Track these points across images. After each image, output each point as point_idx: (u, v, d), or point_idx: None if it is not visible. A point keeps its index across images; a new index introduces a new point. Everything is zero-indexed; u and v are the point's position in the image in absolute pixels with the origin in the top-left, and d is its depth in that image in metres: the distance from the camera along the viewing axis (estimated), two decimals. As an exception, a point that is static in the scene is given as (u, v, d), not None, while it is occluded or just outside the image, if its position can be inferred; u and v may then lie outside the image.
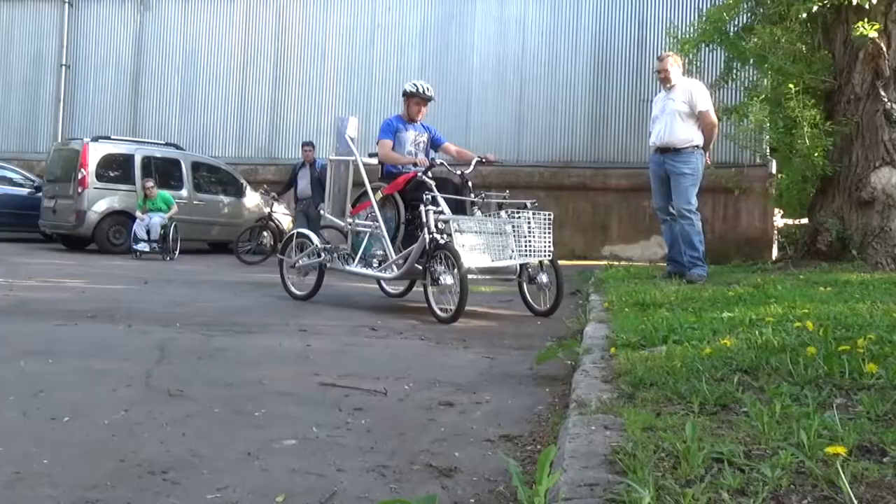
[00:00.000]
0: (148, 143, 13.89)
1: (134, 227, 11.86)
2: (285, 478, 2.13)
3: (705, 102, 6.88)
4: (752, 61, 8.97)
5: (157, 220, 11.85)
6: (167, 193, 12.40)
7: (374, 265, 6.32)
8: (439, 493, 2.03)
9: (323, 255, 6.50)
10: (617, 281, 6.92)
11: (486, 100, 15.13)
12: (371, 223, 6.43)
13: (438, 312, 5.50)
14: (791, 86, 7.83)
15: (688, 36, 9.42)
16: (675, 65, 7.03)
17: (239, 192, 14.08)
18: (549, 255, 5.80)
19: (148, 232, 11.77)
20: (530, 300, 6.04)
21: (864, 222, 7.77)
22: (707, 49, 9.76)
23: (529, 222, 5.78)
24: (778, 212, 12.56)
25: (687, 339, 3.54)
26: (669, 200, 6.97)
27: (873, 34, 7.54)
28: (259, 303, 6.46)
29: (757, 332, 3.44)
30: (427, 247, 5.64)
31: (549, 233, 5.82)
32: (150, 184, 12.13)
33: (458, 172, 6.46)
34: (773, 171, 12.31)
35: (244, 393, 3.13)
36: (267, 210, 12.36)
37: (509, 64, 15.15)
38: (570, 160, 14.51)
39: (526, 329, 5.26)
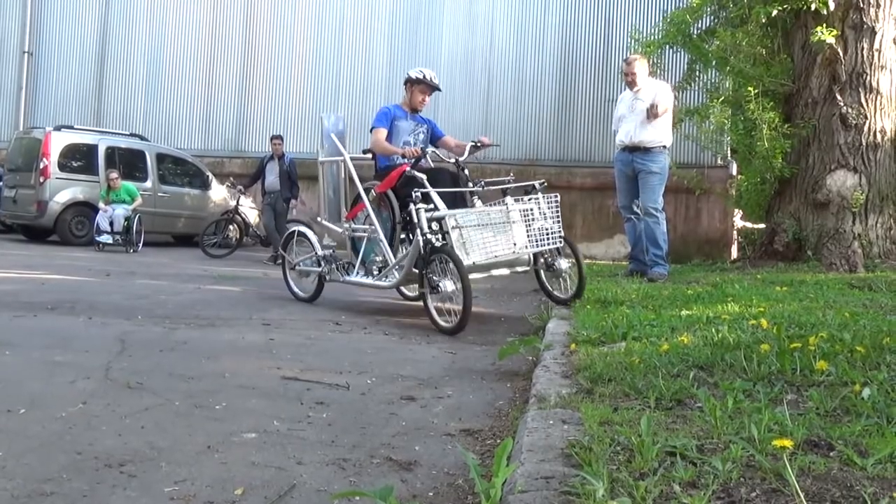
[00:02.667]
0: (112, 133, 13.69)
1: (97, 218, 11.69)
2: (244, 471, 2.13)
3: (666, 102, 6.99)
4: (714, 64, 9.12)
5: (120, 211, 11.69)
6: (131, 185, 12.24)
7: (375, 272, 5.80)
8: (399, 486, 2.05)
9: (322, 265, 6.07)
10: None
11: (454, 96, 15.14)
12: (368, 226, 5.91)
13: (441, 322, 4.90)
14: (751, 88, 7.98)
15: (652, 38, 9.54)
16: (642, 68, 7.13)
17: (205, 185, 13.95)
18: (559, 241, 5.31)
19: (111, 224, 11.61)
20: (550, 289, 5.60)
21: (819, 224, 7.94)
22: (671, 51, 9.89)
23: (539, 205, 5.29)
24: (738, 212, 12.77)
25: (646, 335, 3.61)
26: (634, 199, 7.07)
27: (831, 39, 7.71)
28: (223, 296, 6.42)
29: (714, 330, 3.52)
30: (422, 250, 5.08)
31: (558, 215, 5.36)
32: (114, 175, 11.96)
33: (453, 160, 5.95)
34: (734, 172, 12.52)
35: (205, 386, 3.12)
36: (233, 203, 12.25)
37: (477, 60, 15.19)
38: (536, 158, 14.59)
39: (489, 325, 5.30)
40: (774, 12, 7.90)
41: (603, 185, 12.52)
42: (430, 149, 5.98)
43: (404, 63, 15.71)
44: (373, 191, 5.87)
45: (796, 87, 8.39)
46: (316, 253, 6.16)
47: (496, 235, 5.11)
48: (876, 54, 8.00)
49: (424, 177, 5.40)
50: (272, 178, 11.00)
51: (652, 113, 6.82)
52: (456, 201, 5.45)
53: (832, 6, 7.85)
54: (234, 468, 2.15)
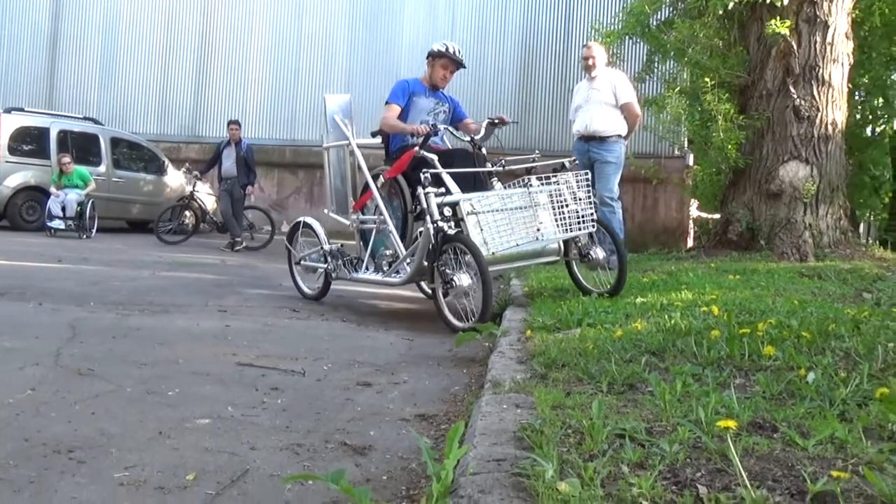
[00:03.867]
0: (64, 116, 13.36)
1: (48, 203, 11.43)
2: (197, 456, 2.12)
3: (629, 94, 7.06)
4: (671, 55, 9.22)
5: (73, 196, 11.45)
6: (84, 170, 11.98)
7: (385, 268, 5.19)
8: (352, 470, 2.06)
9: (328, 261, 5.50)
10: (537, 267, 7.03)
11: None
12: (377, 217, 5.33)
13: (455, 322, 4.40)
14: (707, 80, 8.09)
15: (612, 28, 9.61)
16: (601, 53, 7.19)
17: (160, 170, 13.74)
18: (592, 226, 4.81)
19: (63, 209, 11.37)
20: (583, 282, 5.09)
21: (772, 214, 8.09)
22: (630, 42, 9.97)
23: (569, 186, 4.75)
24: (694, 202, 12.98)
25: (600, 322, 3.66)
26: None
27: (785, 32, 7.84)
28: (178, 283, 6.34)
29: (667, 317, 3.58)
30: (433, 240, 4.52)
31: (591, 196, 4.84)
32: (67, 159, 11.70)
33: (469, 139, 5.38)
34: (690, 162, 12.70)
35: (158, 372, 3.09)
36: (189, 189, 12.08)
37: (438, 48, 15.15)
38: (496, 146, 14.63)
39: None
40: (731, 4, 8.00)
41: (562, 174, 12.60)
42: (442, 127, 5.30)
43: (365, 48, 15.63)
44: (382, 176, 5.31)
45: (751, 78, 8.52)
46: (322, 247, 5.61)
47: (518, 221, 4.59)
48: (828, 48, 8.15)
49: (435, 157, 4.88)
50: (229, 163, 10.87)
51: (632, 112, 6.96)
52: (473, 185, 4.89)
53: (786, 0, 7.98)
54: (186, 454, 2.14)
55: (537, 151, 5.30)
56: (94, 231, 11.49)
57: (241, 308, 5.06)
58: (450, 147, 5.52)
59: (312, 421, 2.52)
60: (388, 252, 5.25)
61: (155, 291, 5.62)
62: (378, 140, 5.63)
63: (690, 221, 13.75)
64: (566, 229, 4.71)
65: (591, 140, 7.05)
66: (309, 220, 5.91)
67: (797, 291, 4.89)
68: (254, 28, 16.05)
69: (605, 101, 7.01)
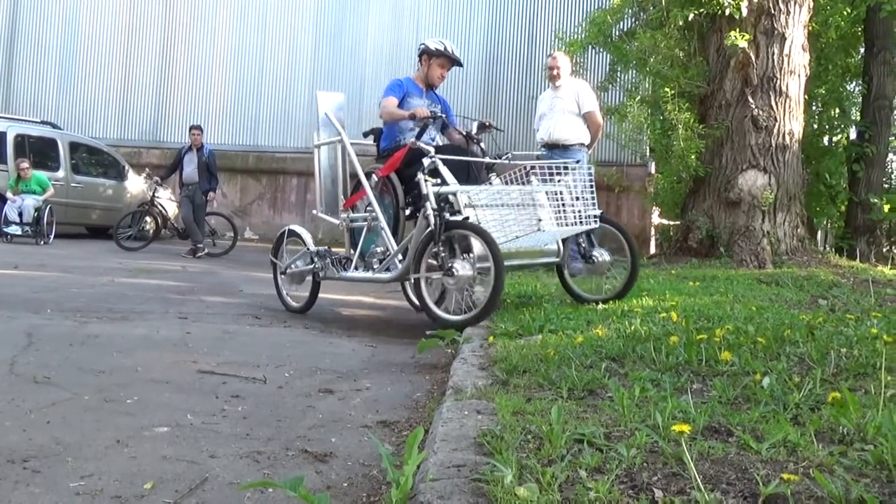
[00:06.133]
0: (22, 120, 13.08)
1: (5, 208, 11.19)
2: (155, 465, 2.09)
3: (592, 103, 7.14)
4: (633, 65, 9.35)
5: (30, 202, 11.23)
6: (42, 175, 11.76)
7: (376, 265, 5.02)
8: (313, 477, 2.05)
9: (315, 261, 5.30)
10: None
11: (380, 88, 15.06)
12: (368, 214, 5.17)
13: (443, 316, 4.31)
14: (668, 90, 8.23)
15: (575, 38, 9.73)
16: (565, 63, 7.27)
17: (120, 176, 13.54)
18: (593, 222, 4.69)
19: (20, 214, 11.14)
20: (576, 289, 4.94)
21: (731, 221, 8.24)
22: (593, 51, 10.10)
23: (572, 185, 4.66)
24: (656, 209, 13.15)
25: (562, 328, 3.69)
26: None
27: (743, 44, 8.00)
28: (138, 290, 6.24)
29: (627, 323, 3.62)
30: (434, 226, 4.33)
31: (593, 191, 4.71)
32: (25, 164, 11.47)
33: (464, 132, 5.30)
34: (652, 170, 12.87)
35: (116, 380, 3.04)
36: (150, 195, 11.92)
37: (403, 54, 15.16)
38: (462, 153, 14.70)
39: (411, 319, 5.32)
40: (691, 16, 8.16)
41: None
42: (442, 116, 5.29)
43: (329, 54, 15.60)
44: (374, 175, 5.18)
45: (711, 89, 8.68)
46: (308, 249, 5.41)
47: (517, 215, 4.46)
48: (786, 59, 8.33)
49: (432, 149, 4.77)
50: (190, 169, 10.76)
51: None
52: (467, 179, 4.81)
53: (745, 12, 8.15)
54: (144, 462, 2.11)
55: (542, 149, 5.21)
56: (51, 237, 11.28)
57: (202, 315, 5.01)
58: (440, 142, 5.39)
59: (273, 428, 2.50)
60: (378, 250, 5.11)
61: (114, 298, 5.54)
62: (369, 140, 5.57)
63: (652, 228, 13.92)
64: (567, 225, 4.59)
65: (555, 148, 7.12)
66: (294, 227, 5.74)
67: (755, 298, 4.98)
68: (217, 31, 15.93)
69: (568, 109, 7.08)
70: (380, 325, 4.99)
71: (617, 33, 9.69)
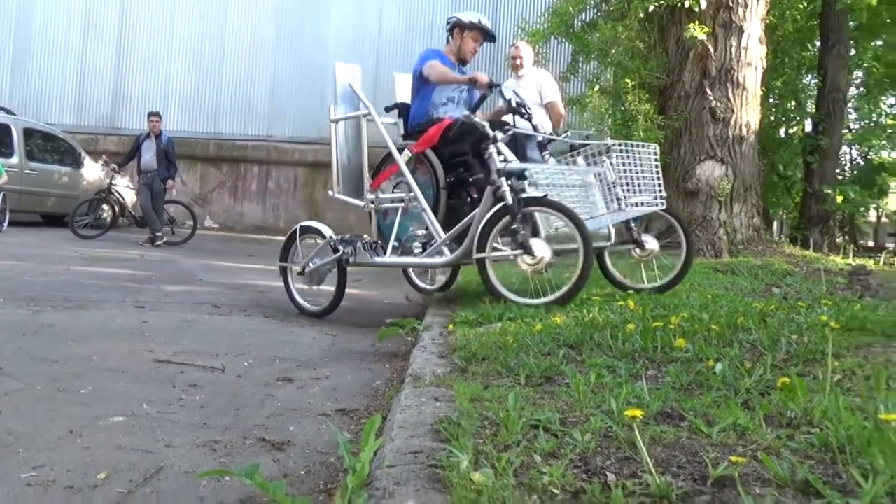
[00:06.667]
0: (-27, 106, 12.78)
1: (-44, 196, 10.93)
2: (109, 455, 2.07)
3: (554, 93, 7.17)
4: (595, 56, 9.42)
5: (-19, 189, 10.98)
6: (-6, 161, 11.50)
7: (417, 250, 4.69)
8: (270, 465, 2.05)
9: (342, 248, 4.79)
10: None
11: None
12: (403, 195, 4.80)
13: (518, 300, 4.08)
14: (629, 80, 8.31)
15: (538, 28, 9.77)
16: (528, 52, 7.29)
17: (77, 163, 13.28)
18: (662, 202, 4.53)
19: (-29, 202, 10.89)
20: (618, 276, 4.75)
21: (689, 211, 8.37)
22: (555, 42, 10.15)
23: (633, 167, 4.46)
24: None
25: (521, 317, 3.71)
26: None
27: (702, 36, 8.11)
28: (94, 278, 6.14)
29: (585, 311, 3.66)
30: (514, 206, 4.06)
31: (658, 171, 4.53)
32: (-25, 150, 11.20)
33: (516, 102, 4.99)
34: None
35: (71, 370, 3.00)
36: (107, 182, 11.72)
37: (366, 43, 15.10)
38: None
39: (372, 307, 5.32)
40: (651, 7, 8.24)
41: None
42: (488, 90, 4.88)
43: (291, 44, 15.44)
44: (407, 151, 4.81)
45: (670, 80, 8.78)
46: (331, 239, 4.85)
47: (578, 196, 4.29)
48: (743, 52, 8.46)
49: (486, 123, 4.44)
50: (149, 156, 10.60)
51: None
52: (517, 157, 4.54)
53: (704, 4, 8.25)
54: (98, 452, 2.09)
55: (592, 129, 5.16)
56: (5, 225, 11.03)
57: (160, 304, 4.95)
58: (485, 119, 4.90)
59: (231, 417, 2.49)
60: (419, 233, 4.75)
61: (69, 287, 5.44)
62: (390, 119, 5.19)
63: (613, 218, 14.06)
64: (620, 208, 4.44)
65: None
66: (306, 223, 5.17)
67: (711, 286, 5.07)
68: (177, 16, 15.67)
69: (530, 99, 7.09)
70: (341, 314, 4.97)
71: (579, 24, 9.74)
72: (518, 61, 7.19)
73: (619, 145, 4.53)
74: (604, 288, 4.87)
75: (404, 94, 5.34)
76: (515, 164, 4.29)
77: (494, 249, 4.17)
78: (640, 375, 2.47)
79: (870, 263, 8.07)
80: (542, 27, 9.85)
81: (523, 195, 4.09)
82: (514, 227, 4.07)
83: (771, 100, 13.28)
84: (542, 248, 4.04)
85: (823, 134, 11.94)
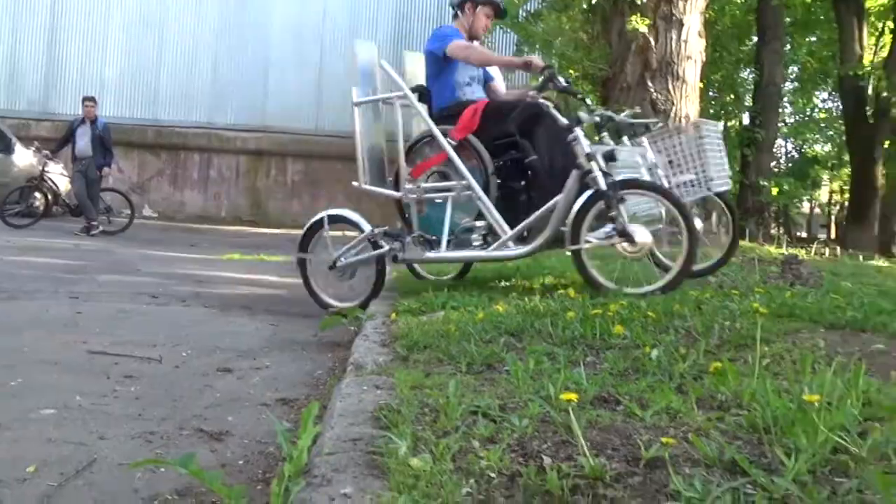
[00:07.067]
0: None
1: None
2: (39, 448, 2.02)
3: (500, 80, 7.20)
4: (539, 46, 9.50)
5: None
6: (-82, 146, 11.06)
7: (476, 243, 4.37)
8: (208, 455, 2.02)
9: (386, 243, 4.41)
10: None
11: (285, 66, 14.79)
12: (451, 184, 4.41)
13: (609, 286, 3.91)
14: (572, 71, 8.40)
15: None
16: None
17: (7, 149, 12.84)
18: (727, 183, 4.49)
19: None
20: (663, 258, 4.45)
21: (630, 202, 8.51)
22: (500, 31, 10.19)
23: (680, 147, 4.40)
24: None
25: (464, 305, 3.73)
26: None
27: (643, 29, 8.24)
28: (26, 268, 5.96)
29: (527, 299, 3.69)
30: (610, 192, 3.86)
31: (721, 154, 4.45)
32: None
33: (566, 81, 4.51)
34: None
35: (1, 362, 2.91)
36: (40, 169, 11.36)
37: (309, 30, 14.91)
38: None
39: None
40: (594, -1, 8.34)
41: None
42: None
43: (233, 28, 15.16)
44: (448, 136, 4.44)
45: (613, 72, 8.90)
46: (372, 232, 4.43)
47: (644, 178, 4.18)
48: (683, 45, 8.62)
49: (550, 104, 4.20)
50: (83, 143, 10.31)
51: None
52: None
53: (645, -3, 8.39)
54: (28, 446, 2.03)
55: (637, 108, 5.01)
56: (-70, 213, 10.63)
57: (95, 294, 4.83)
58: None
59: (168, 408, 2.45)
60: (478, 224, 4.41)
61: (0, 277, 5.27)
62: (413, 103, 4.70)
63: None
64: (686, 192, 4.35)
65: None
66: (337, 211, 4.66)
67: (650, 275, 5.15)
68: (112, 1, 15.24)
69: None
70: (281, 303, 4.92)
71: (523, 14, 9.80)
72: None
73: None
74: (545, 278, 4.92)
75: (417, 77, 4.99)
76: (604, 147, 4.08)
77: (625, 231, 3.90)
78: (578, 362, 2.51)
79: (802, 253, 8.33)
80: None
81: (614, 183, 3.90)
82: (611, 213, 3.89)
83: (710, 93, 13.58)
84: (643, 234, 3.87)
85: (760, 127, 12.27)
